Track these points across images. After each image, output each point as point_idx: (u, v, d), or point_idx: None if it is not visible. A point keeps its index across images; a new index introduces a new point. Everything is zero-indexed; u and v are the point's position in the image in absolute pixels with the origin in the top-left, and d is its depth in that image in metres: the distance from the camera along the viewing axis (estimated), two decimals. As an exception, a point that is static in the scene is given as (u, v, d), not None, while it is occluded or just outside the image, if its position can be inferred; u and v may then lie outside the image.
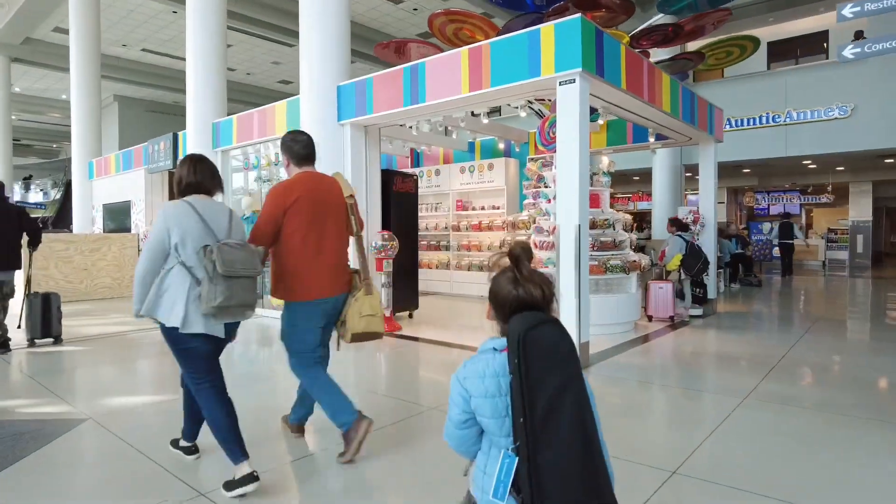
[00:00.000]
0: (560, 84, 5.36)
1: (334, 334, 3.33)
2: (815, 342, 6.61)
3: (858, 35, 16.12)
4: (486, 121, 6.71)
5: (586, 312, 5.35)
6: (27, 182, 34.39)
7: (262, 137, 8.96)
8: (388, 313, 7.35)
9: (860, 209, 20.49)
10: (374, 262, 7.44)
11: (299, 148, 3.27)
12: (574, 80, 5.26)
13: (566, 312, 5.28)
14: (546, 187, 6.41)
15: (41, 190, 34.29)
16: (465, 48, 6.07)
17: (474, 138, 9.74)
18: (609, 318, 6.81)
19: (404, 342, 6.71)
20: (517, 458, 1.42)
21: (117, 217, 13.74)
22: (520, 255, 1.53)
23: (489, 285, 1.57)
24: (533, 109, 8.32)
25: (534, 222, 7.01)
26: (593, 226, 6.35)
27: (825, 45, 18.18)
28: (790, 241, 16.90)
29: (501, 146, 10.74)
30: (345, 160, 7.51)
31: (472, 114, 7.53)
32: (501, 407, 1.46)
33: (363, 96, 7.18)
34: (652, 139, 7.98)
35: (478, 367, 1.50)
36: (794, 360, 5.66)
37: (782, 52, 18.66)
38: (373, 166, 7.72)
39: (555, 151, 5.75)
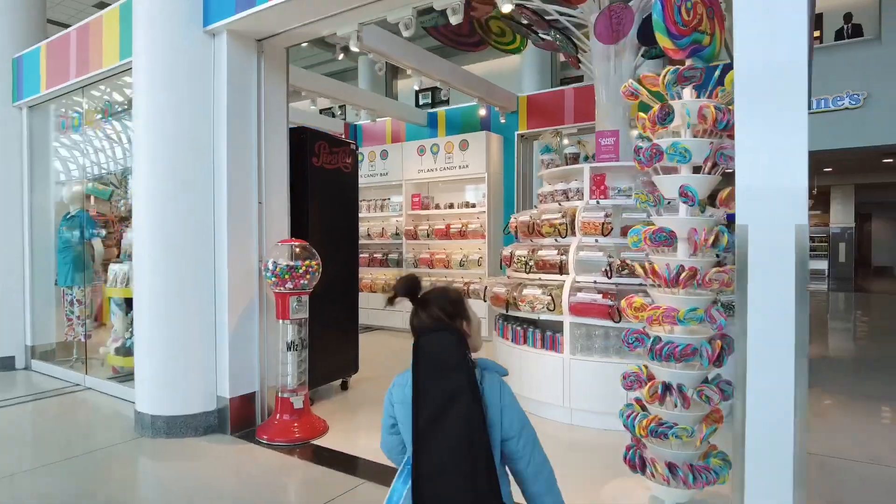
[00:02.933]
0: None
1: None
2: None
3: (848, 18, 14.29)
4: (507, 7, 3.30)
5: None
6: None
7: (83, 75, 5.14)
8: (299, 402, 3.75)
9: (842, 215, 18.74)
10: (276, 302, 3.84)
11: None
12: None
13: (767, 472, 1.96)
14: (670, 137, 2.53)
15: None
16: None
17: (446, 92, 6.34)
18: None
19: (329, 477, 3.16)
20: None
21: None
22: (399, 292, 1.54)
23: None
24: (548, 37, 5.03)
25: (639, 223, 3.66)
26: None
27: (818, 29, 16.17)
28: None
29: (483, 112, 7.37)
30: (215, 104, 3.90)
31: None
32: None
33: (250, -29, 3.61)
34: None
35: (405, 376, 1.54)
36: None
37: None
38: (273, 115, 4.14)
39: (691, 51, 2.40)
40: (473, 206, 7.41)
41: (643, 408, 2.55)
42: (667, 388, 2.35)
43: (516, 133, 7.44)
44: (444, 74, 6.04)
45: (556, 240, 4.19)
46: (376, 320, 7.90)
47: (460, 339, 1.47)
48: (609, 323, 3.75)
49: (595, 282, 3.87)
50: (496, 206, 7.33)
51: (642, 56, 4.69)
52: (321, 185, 4.53)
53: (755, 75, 2.03)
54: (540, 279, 4.14)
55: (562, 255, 4.05)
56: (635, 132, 4.82)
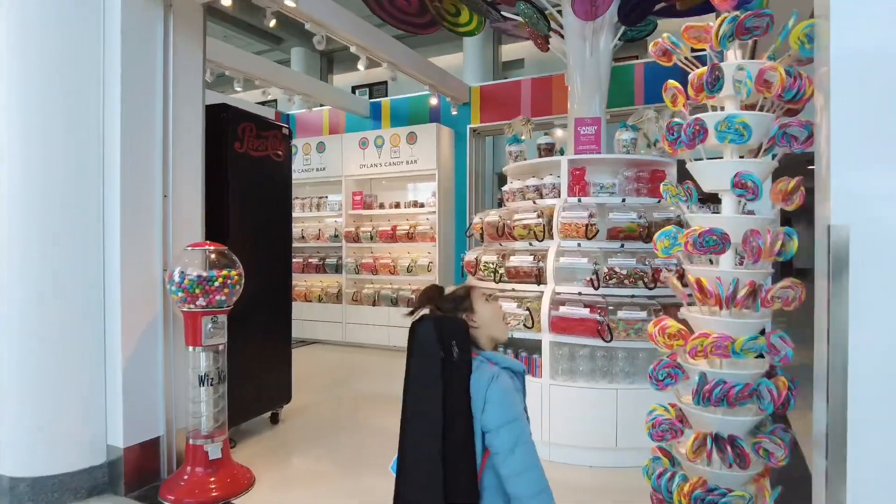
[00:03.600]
0: None
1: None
2: None
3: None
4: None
5: None
6: None
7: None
8: (216, 450, 2.94)
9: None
10: (185, 324, 3.00)
11: None
12: None
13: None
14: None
15: None
16: None
17: (393, 77, 5.61)
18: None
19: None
20: None
21: None
22: (420, 305, 1.57)
23: None
24: (512, 15, 4.45)
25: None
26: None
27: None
28: None
29: (434, 102, 6.70)
30: (106, 69, 3.02)
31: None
32: None
33: None
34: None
35: None
36: None
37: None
38: (186, 88, 3.29)
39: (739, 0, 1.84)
40: (422, 205, 6.73)
41: (671, 460, 1.97)
42: (716, 440, 1.78)
43: (468, 127, 6.84)
44: (393, 56, 5.33)
45: (530, 244, 3.58)
46: (312, 333, 7.06)
47: (444, 327, 1.47)
48: (597, 342, 3.19)
49: (580, 293, 3.29)
50: (447, 205, 6.68)
51: (620, 39, 4.20)
52: (245, 175, 3.71)
53: (865, 50, 1.47)
54: (514, 290, 3.52)
55: (539, 261, 3.45)
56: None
